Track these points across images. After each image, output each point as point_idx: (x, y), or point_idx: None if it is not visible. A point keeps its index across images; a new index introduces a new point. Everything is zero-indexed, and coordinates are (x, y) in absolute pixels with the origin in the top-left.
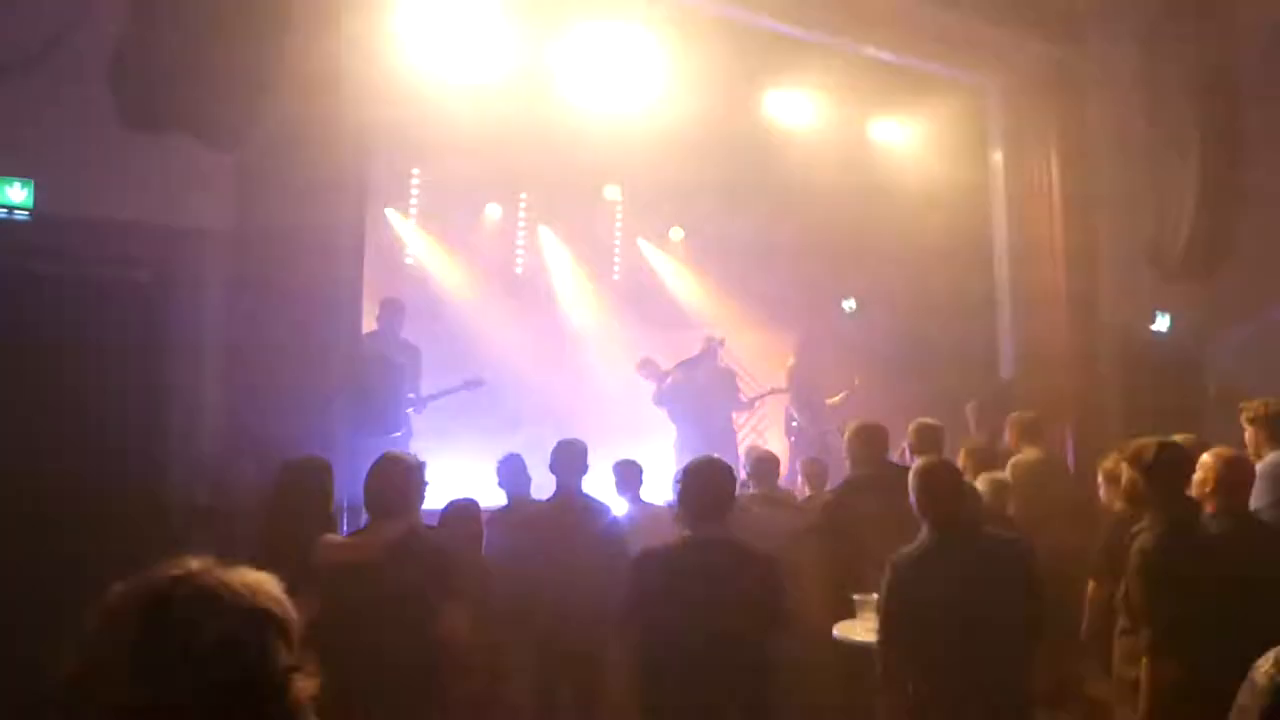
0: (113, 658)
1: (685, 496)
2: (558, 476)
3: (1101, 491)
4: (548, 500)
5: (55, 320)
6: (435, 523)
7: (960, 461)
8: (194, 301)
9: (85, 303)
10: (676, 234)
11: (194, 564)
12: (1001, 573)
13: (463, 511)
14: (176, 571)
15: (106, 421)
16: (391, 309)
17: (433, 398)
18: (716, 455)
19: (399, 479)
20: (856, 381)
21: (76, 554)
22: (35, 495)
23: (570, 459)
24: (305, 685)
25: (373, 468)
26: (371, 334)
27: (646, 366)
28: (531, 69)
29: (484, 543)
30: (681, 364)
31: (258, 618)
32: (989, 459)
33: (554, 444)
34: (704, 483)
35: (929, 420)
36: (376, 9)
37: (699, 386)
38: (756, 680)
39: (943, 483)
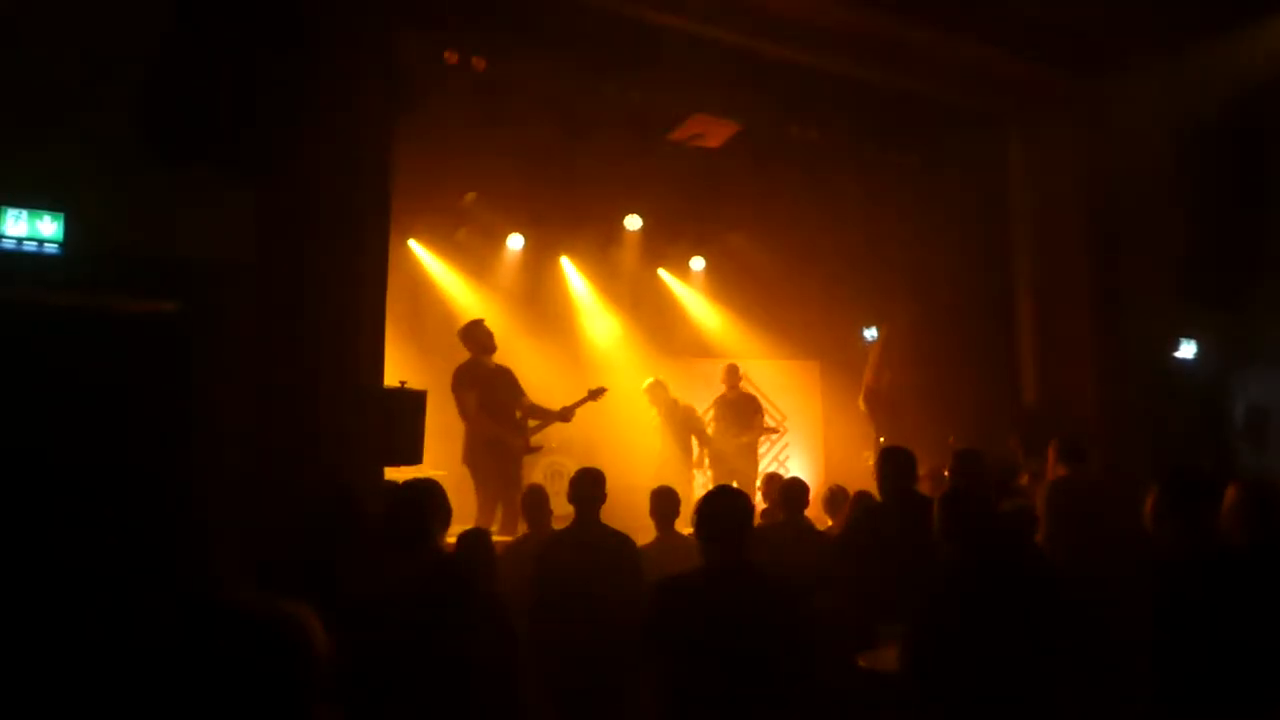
0: (154, 681)
1: (700, 526)
2: (575, 506)
3: None
4: (564, 530)
5: (83, 351)
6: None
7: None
8: (220, 333)
9: (113, 334)
10: (697, 264)
11: (230, 594)
12: (1030, 602)
13: (474, 542)
14: (213, 601)
15: (132, 450)
16: (477, 331)
17: (537, 429)
18: (734, 485)
19: (418, 507)
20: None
21: (96, 582)
22: (60, 524)
23: (586, 488)
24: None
25: (391, 496)
26: (471, 360)
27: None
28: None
29: (498, 573)
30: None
31: (290, 649)
32: (1010, 484)
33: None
34: (718, 512)
35: (970, 447)
36: (403, 50)
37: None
38: (780, 709)
39: (966, 511)
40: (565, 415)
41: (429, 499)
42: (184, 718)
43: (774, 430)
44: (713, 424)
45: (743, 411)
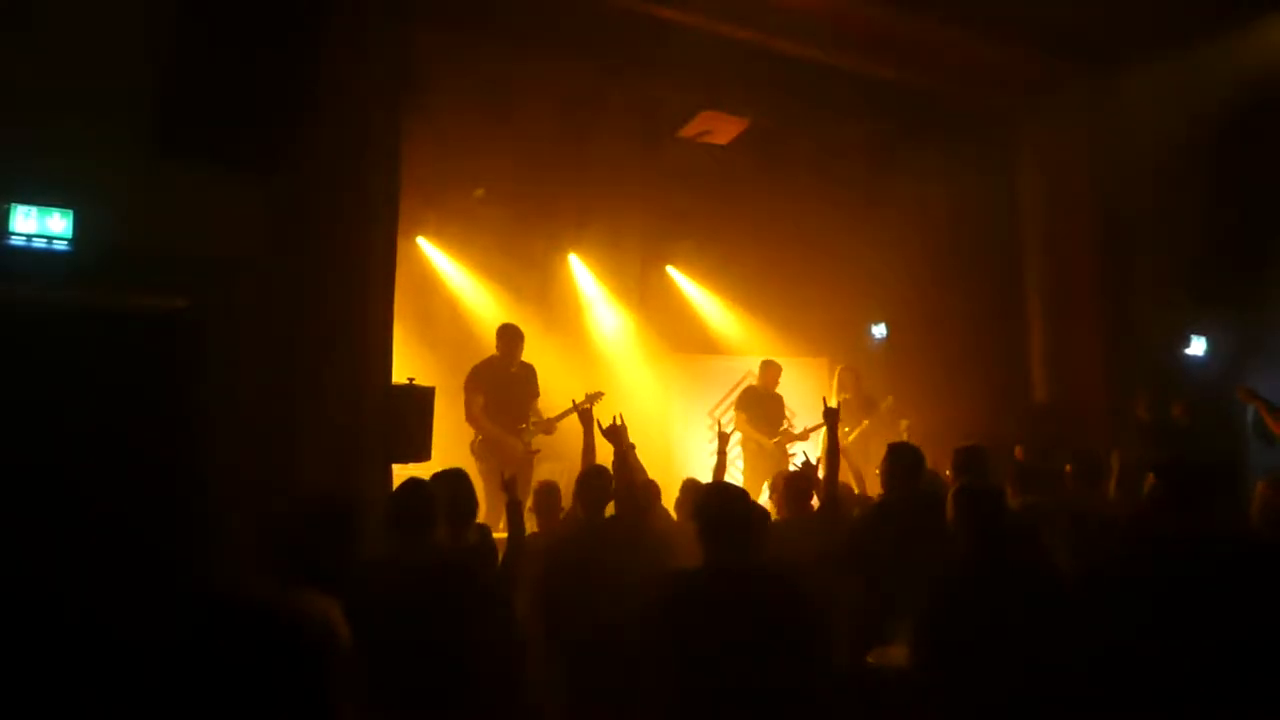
0: (173, 672)
1: (701, 524)
2: (581, 504)
3: None
4: (571, 528)
5: (92, 347)
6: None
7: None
8: (228, 330)
9: (122, 331)
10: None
11: (255, 586)
12: (1043, 603)
13: (476, 539)
14: (237, 591)
15: (141, 447)
16: (508, 335)
17: (558, 418)
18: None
19: (425, 500)
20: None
21: (103, 579)
22: (62, 517)
23: (592, 487)
24: (350, 715)
25: (401, 490)
26: (490, 359)
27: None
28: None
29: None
30: None
31: (316, 642)
32: (1032, 482)
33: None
34: (717, 510)
35: (972, 443)
36: (411, 46)
37: None
38: (785, 707)
39: (979, 507)
40: (549, 428)
41: (440, 491)
42: (211, 714)
43: (798, 436)
44: (734, 412)
45: (772, 411)
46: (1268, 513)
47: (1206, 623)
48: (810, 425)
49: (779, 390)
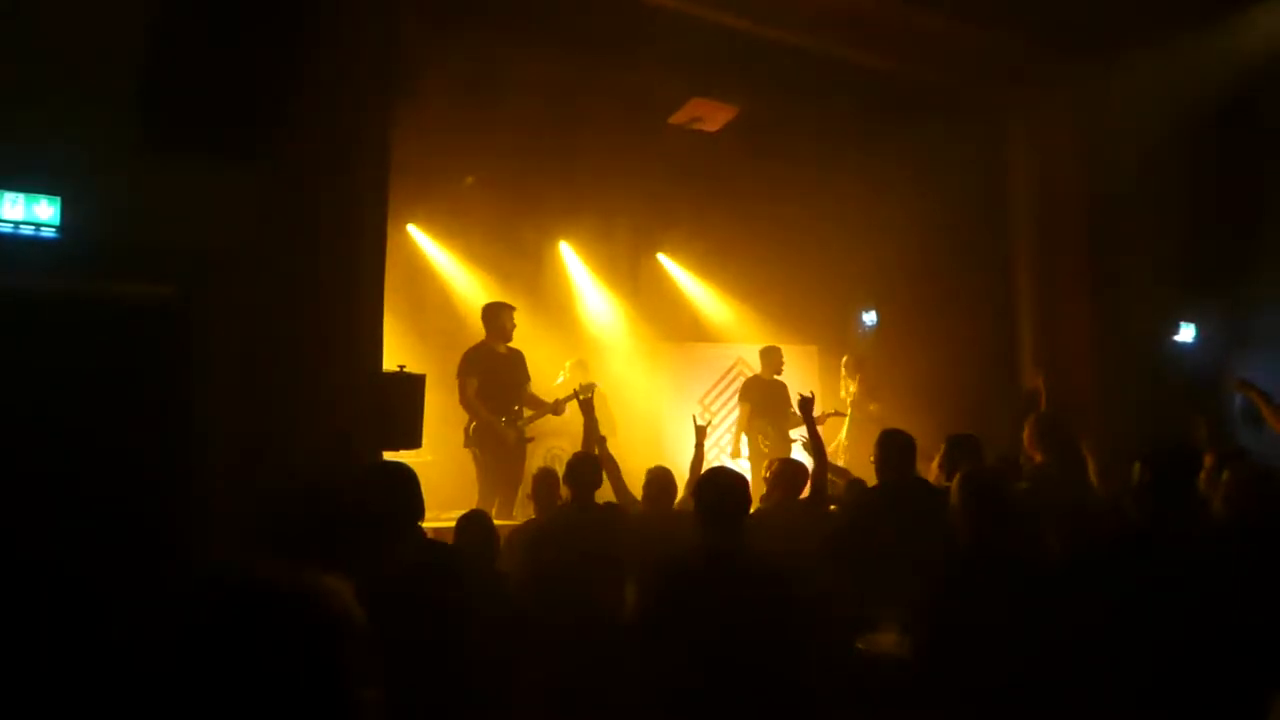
0: (187, 651)
1: (699, 508)
2: (571, 490)
3: None
4: (559, 513)
5: (80, 336)
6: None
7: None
8: (217, 319)
9: (109, 319)
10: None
11: (266, 568)
12: (1041, 590)
13: (475, 524)
14: (257, 571)
15: (129, 436)
16: (492, 313)
17: (530, 420)
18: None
19: (404, 493)
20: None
21: (90, 569)
22: (53, 508)
23: (581, 473)
24: (371, 695)
25: (376, 483)
26: (481, 343)
27: None
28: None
29: (504, 557)
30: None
31: (335, 622)
32: (1015, 471)
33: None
34: (717, 494)
35: (964, 433)
36: (400, 33)
37: None
38: (776, 692)
39: (987, 494)
40: (558, 408)
41: (413, 485)
42: (229, 682)
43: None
44: (738, 405)
45: (777, 398)
46: (1232, 501)
47: (1193, 608)
48: (824, 412)
49: (784, 377)
